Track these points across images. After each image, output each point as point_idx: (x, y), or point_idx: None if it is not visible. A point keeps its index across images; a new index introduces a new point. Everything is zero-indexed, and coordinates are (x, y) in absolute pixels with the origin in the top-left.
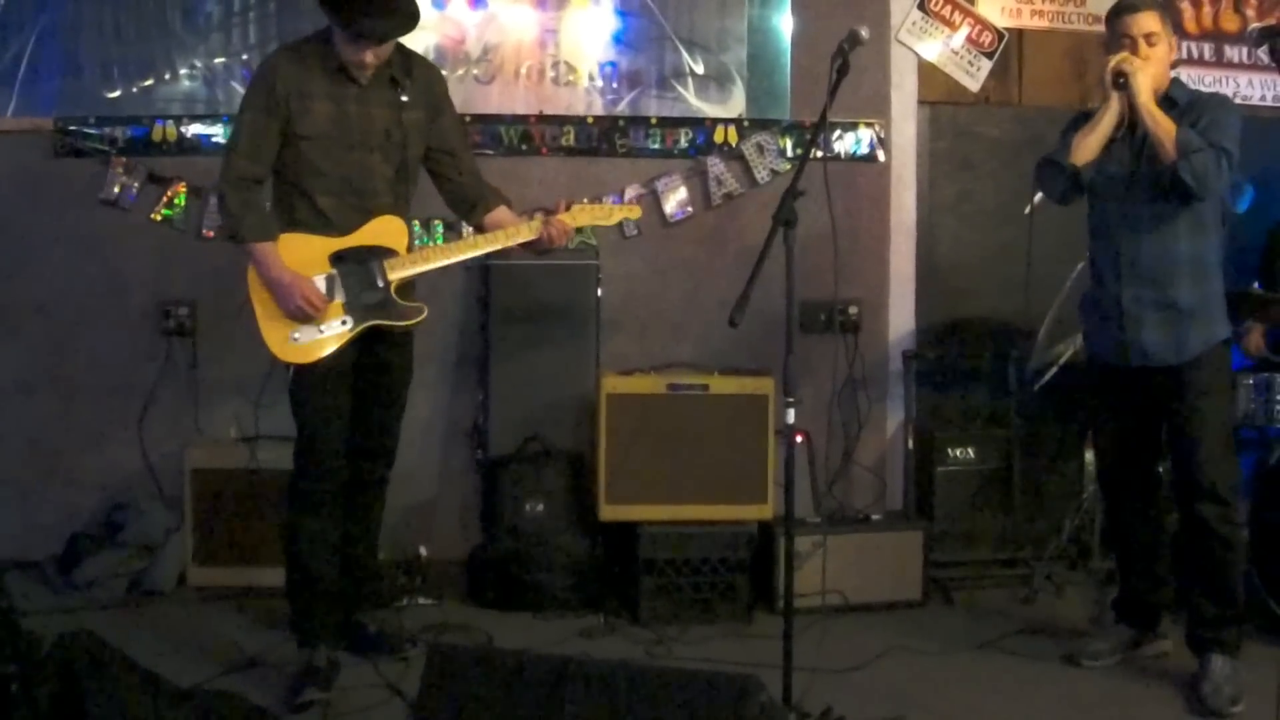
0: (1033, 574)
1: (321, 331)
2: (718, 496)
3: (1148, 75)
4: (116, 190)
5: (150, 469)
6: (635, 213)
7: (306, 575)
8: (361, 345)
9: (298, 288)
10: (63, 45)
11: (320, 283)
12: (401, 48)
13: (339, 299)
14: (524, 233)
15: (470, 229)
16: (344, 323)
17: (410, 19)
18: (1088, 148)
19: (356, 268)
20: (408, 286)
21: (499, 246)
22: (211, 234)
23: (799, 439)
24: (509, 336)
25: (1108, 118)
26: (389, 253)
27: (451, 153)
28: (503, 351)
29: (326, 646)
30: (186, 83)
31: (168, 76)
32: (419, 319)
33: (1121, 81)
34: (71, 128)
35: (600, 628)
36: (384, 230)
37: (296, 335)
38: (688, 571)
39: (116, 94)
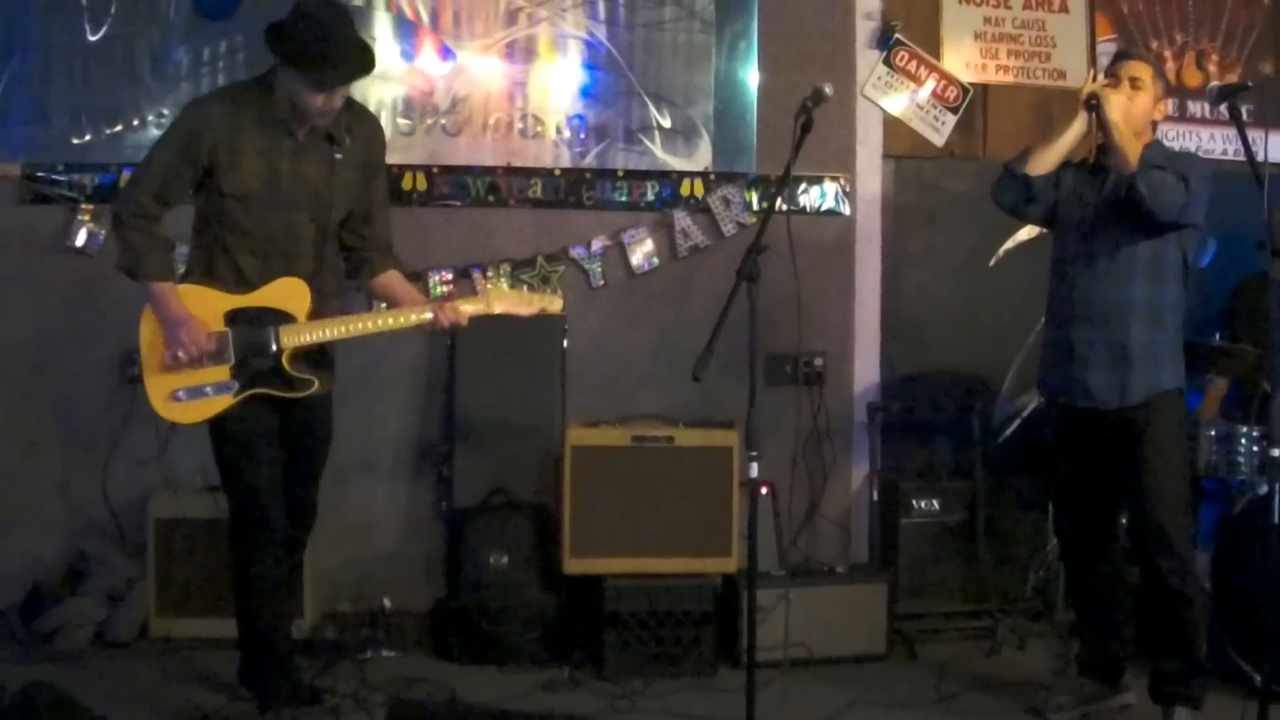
0: (997, 626)
1: (206, 393)
2: (682, 549)
3: (1121, 101)
4: (83, 237)
5: (114, 517)
6: (556, 305)
7: (259, 636)
8: (281, 412)
9: (187, 327)
10: (31, 92)
11: (212, 340)
12: (347, 101)
13: (229, 361)
14: (415, 317)
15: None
16: (230, 387)
17: (369, 63)
18: (1044, 160)
19: (250, 330)
20: (310, 355)
21: (392, 328)
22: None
23: (764, 491)
24: (474, 387)
25: (1068, 135)
26: (286, 318)
27: (368, 216)
28: (468, 402)
29: (287, 708)
30: (155, 130)
31: (136, 123)
32: (309, 392)
33: (1093, 103)
34: (39, 174)
35: (564, 681)
36: (285, 293)
37: (180, 393)
38: (652, 625)
39: (85, 141)
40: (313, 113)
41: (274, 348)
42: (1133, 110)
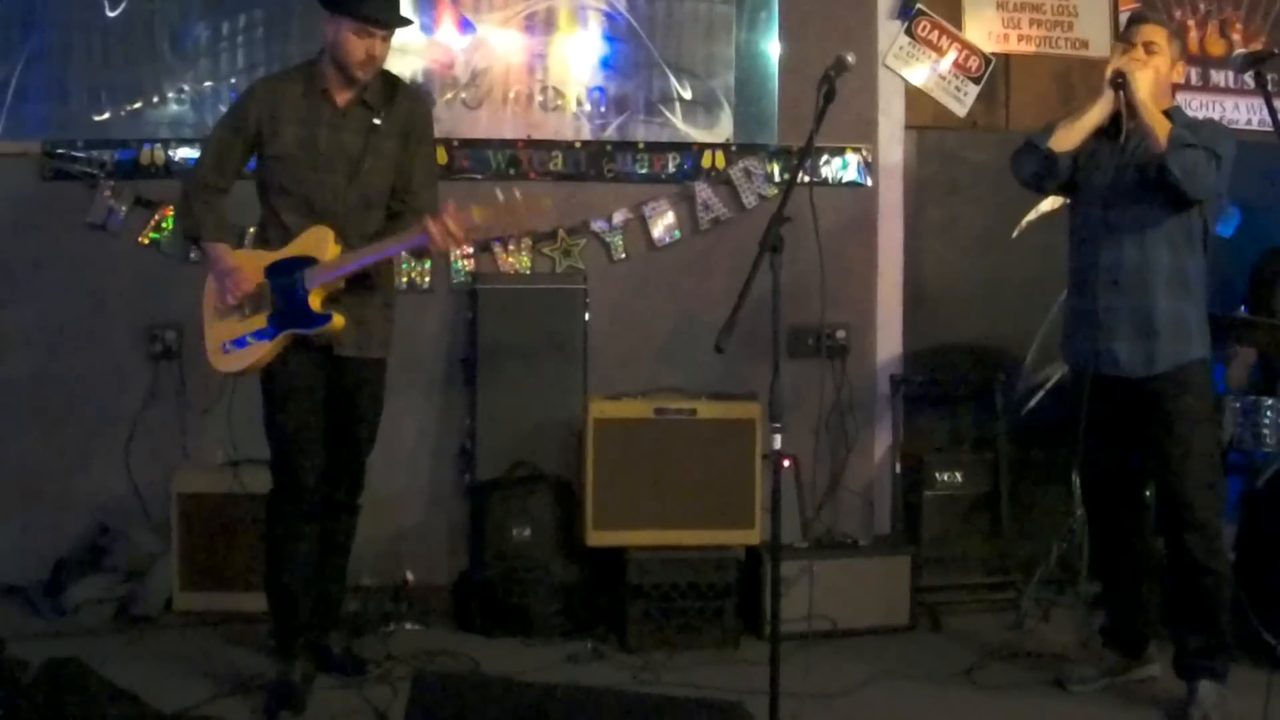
0: (1020, 598)
1: (248, 342)
2: (705, 521)
3: (1147, 78)
4: (104, 214)
5: (137, 493)
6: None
7: (284, 591)
8: (329, 375)
9: (231, 273)
10: (51, 69)
11: (254, 288)
12: (387, 75)
13: (266, 310)
14: (412, 234)
15: None
16: (267, 333)
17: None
18: (1068, 138)
19: (283, 279)
20: (356, 319)
21: (397, 248)
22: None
23: (786, 464)
24: (497, 361)
25: (1094, 113)
26: (310, 262)
27: (408, 186)
28: (490, 376)
29: (302, 662)
30: (174, 106)
31: (156, 100)
32: (328, 326)
33: (1120, 81)
34: (59, 151)
35: (587, 654)
36: (311, 240)
37: (228, 345)
38: (675, 597)
39: (105, 118)
40: (356, 63)
41: (301, 290)
42: (1154, 79)
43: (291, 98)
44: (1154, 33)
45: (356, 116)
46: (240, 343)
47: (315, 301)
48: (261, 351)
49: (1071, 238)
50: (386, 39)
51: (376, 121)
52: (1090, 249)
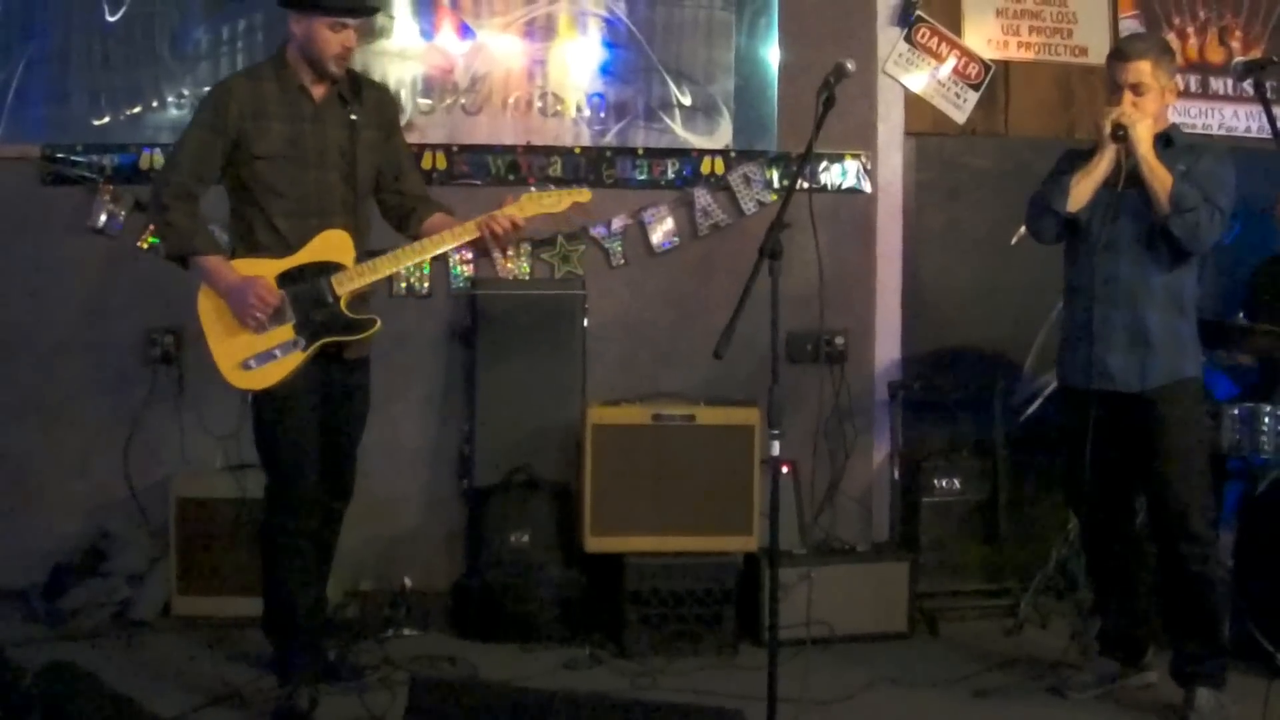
0: (1019, 605)
1: (275, 355)
2: (704, 527)
3: (1146, 128)
4: (103, 218)
5: (135, 497)
6: (585, 196)
7: (287, 615)
8: (321, 375)
9: (250, 287)
10: (51, 73)
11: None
12: (349, 70)
13: (290, 320)
14: (465, 232)
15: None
16: (296, 344)
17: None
18: (1083, 193)
19: (304, 287)
20: (361, 299)
21: (444, 248)
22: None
23: (785, 470)
24: (495, 366)
25: (1103, 165)
26: (336, 267)
27: (399, 173)
28: (489, 381)
29: (307, 686)
30: (174, 110)
31: (155, 104)
32: (373, 330)
33: (1121, 134)
34: (59, 155)
35: (585, 659)
36: (329, 245)
37: (250, 361)
38: (673, 603)
39: (104, 122)
40: (330, 57)
41: (330, 296)
42: (1149, 121)
43: (270, 94)
44: (1139, 71)
45: (334, 111)
46: (266, 357)
47: (346, 307)
48: (295, 364)
49: (1067, 252)
50: (359, 29)
51: (354, 117)
52: (1086, 263)
